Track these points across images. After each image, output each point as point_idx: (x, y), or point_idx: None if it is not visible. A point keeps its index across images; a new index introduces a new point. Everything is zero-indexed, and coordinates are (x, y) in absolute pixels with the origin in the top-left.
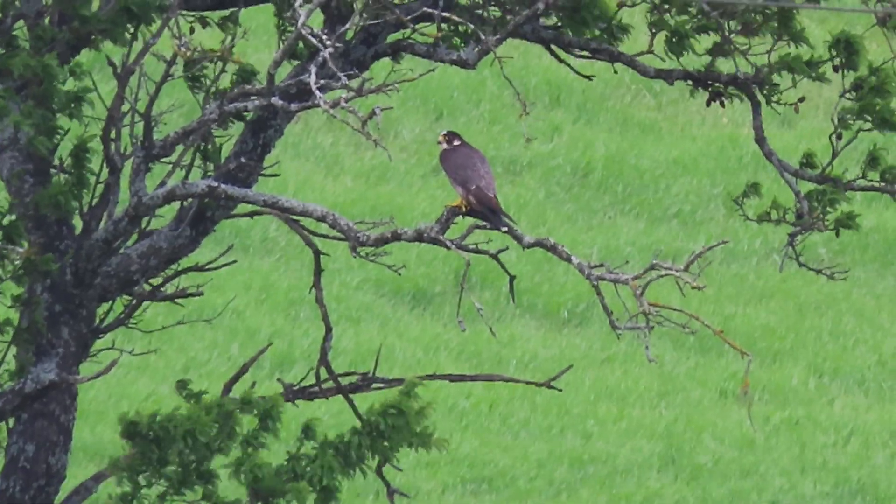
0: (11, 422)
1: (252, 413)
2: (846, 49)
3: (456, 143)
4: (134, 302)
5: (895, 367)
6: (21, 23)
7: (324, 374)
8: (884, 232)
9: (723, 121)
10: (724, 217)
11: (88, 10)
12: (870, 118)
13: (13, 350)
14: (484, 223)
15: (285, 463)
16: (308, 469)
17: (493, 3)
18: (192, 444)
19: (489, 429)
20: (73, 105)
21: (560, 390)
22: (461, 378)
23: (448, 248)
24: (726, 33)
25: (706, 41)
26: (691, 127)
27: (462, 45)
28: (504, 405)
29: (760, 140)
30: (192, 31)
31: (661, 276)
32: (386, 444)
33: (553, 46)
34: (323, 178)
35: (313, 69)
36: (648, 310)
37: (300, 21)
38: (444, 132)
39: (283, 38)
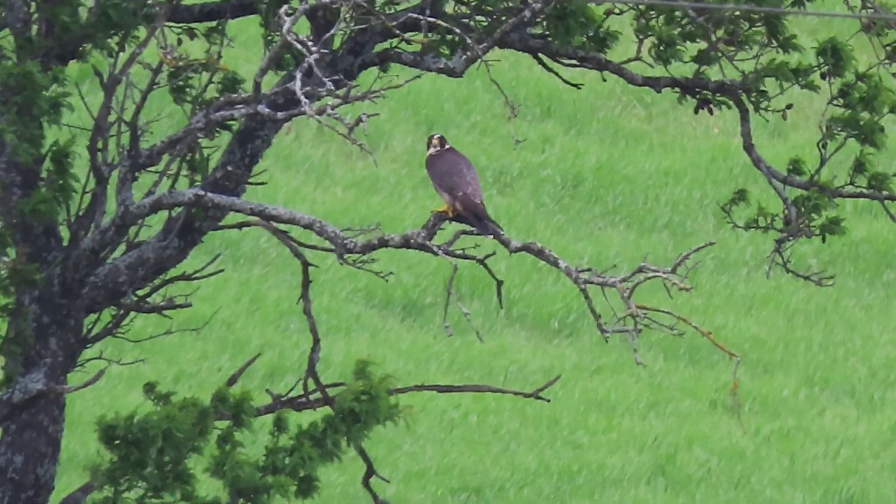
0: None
1: (225, 410)
2: (833, 56)
3: (445, 146)
4: (121, 312)
5: (885, 378)
6: (6, 32)
7: (312, 385)
8: (874, 242)
9: (713, 131)
10: (714, 227)
11: (70, 17)
12: (855, 131)
13: (1, 360)
14: (471, 229)
15: (264, 458)
16: (287, 461)
17: (479, 11)
18: (169, 443)
19: (479, 440)
20: (52, 111)
21: (548, 401)
22: (450, 389)
23: (435, 253)
24: (713, 39)
25: (693, 48)
26: (682, 137)
27: (449, 53)
28: (494, 416)
29: (749, 147)
30: (179, 42)
31: (649, 279)
32: (359, 426)
33: (541, 55)
34: (313, 189)
35: (299, 75)
36: (636, 312)
37: (285, 27)
38: (437, 135)
39: (270, 47)
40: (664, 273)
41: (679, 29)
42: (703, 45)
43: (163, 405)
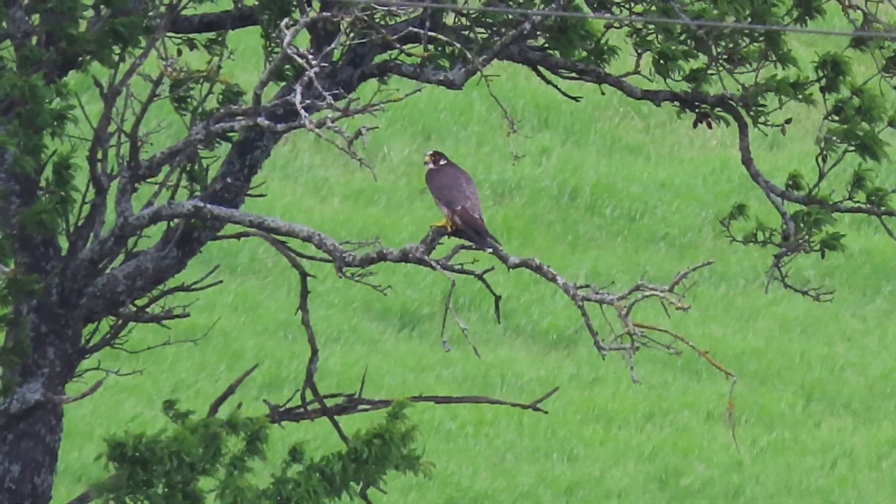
0: None
1: (238, 435)
2: (833, 69)
3: (442, 162)
4: (120, 322)
5: (882, 390)
6: (7, 43)
7: (310, 395)
8: (871, 255)
9: (711, 143)
10: (712, 240)
11: (76, 31)
12: (854, 143)
13: None
14: (469, 243)
15: (271, 486)
16: (293, 493)
17: (479, 24)
18: (177, 465)
19: (476, 451)
20: (56, 123)
21: (546, 412)
22: (447, 400)
23: (433, 268)
24: (713, 53)
25: (692, 65)
26: (679, 149)
27: (449, 65)
28: (490, 427)
29: (747, 161)
30: (179, 52)
31: (646, 297)
32: (372, 467)
33: (540, 67)
34: (311, 200)
35: (299, 88)
36: (633, 330)
37: (286, 40)
38: (430, 152)
39: (270, 59)
40: (662, 292)
41: (678, 46)
42: (701, 63)
43: (180, 424)
